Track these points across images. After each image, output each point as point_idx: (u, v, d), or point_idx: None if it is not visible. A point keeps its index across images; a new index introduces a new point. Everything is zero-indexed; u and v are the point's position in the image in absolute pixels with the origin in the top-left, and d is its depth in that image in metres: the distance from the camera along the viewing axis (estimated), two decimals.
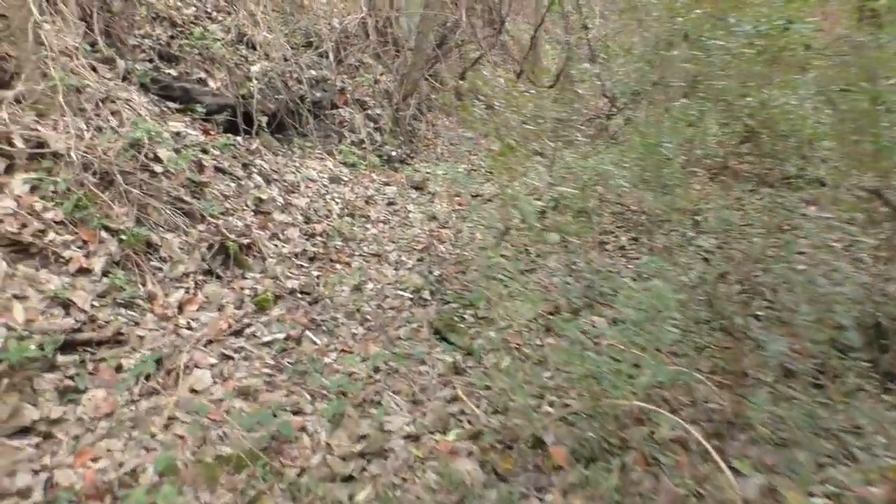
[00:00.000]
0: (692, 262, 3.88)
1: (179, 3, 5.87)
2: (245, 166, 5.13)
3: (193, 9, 5.98)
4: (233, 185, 4.63)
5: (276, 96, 6.19)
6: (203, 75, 5.45)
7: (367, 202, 5.75)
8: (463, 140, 9.48)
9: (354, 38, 8.10)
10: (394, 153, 7.73)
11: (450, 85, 9.31)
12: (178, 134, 4.60)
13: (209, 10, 6.13)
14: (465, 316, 3.82)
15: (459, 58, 10.98)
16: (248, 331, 3.39)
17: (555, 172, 6.90)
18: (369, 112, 7.66)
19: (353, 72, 7.95)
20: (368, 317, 3.79)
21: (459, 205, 6.05)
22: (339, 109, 7.38)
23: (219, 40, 5.86)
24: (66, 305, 2.93)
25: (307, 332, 3.49)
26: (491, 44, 11.22)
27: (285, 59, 6.58)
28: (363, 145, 7.33)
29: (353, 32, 8.02)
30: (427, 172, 7.29)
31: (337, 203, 5.46)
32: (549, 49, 12.85)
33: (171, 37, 5.51)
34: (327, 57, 7.43)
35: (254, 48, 6.34)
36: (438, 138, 9.41)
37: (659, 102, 6.26)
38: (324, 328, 3.59)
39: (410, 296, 4.11)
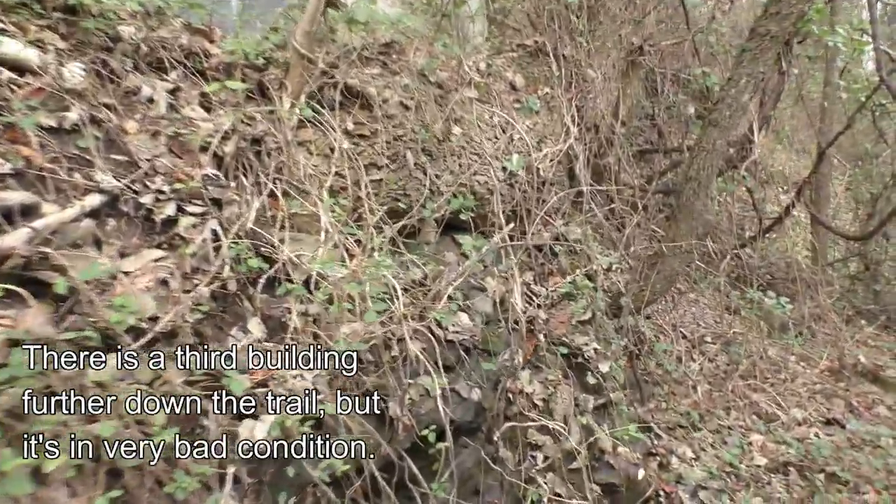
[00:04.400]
0: None
1: None
2: None
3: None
4: None
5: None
6: None
7: None
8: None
9: (548, 188, 3.86)
10: (628, 468, 3.29)
11: (725, 260, 4.76)
12: None
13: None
14: None
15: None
16: None
17: None
18: (588, 372, 3.30)
19: (545, 259, 3.69)
20: None
21: None
22: (517, 400, 3.06)
23: None
24: None
25: None
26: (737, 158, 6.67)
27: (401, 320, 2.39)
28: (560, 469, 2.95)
29: (546, 178, 3.79)
30: None
31: None
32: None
33: None
34: (494, 235, 3.21)
35: (309, 290, 2.24)
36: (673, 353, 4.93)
37: None
38: None
39: None
